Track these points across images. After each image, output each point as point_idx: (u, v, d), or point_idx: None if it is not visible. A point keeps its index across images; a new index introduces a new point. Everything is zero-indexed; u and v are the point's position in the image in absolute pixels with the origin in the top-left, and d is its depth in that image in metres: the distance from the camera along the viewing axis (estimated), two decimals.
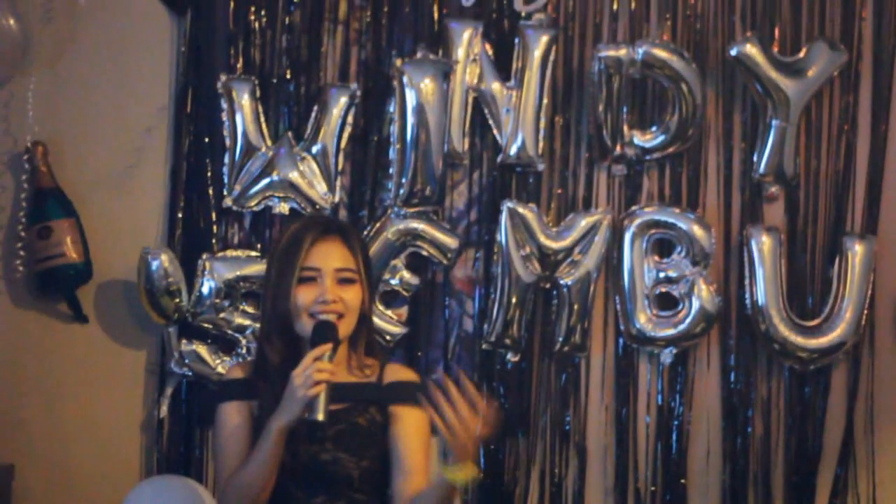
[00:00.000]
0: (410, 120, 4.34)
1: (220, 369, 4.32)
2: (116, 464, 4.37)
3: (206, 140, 4.39)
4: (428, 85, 4.34)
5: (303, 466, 3.22)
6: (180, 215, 4.39)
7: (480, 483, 4.34)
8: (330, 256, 3.26)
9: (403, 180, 4.36)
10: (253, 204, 4.38)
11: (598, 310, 4.45)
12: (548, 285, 4.42)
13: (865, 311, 4.45)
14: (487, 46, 4.43)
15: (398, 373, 3.41)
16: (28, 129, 4.34)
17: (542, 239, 4.39)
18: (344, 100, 4.38)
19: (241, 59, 4.41)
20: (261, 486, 3.17)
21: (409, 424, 3.28)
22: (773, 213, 4.50)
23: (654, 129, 4.46)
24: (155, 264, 4.23)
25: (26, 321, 4.37)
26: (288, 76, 4.42)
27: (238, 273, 4.32)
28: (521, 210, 4.38)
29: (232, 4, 4.41)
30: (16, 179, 4.36)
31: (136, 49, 4.42)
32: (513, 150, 4.41)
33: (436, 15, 4.44)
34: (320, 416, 3.11)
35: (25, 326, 4.37)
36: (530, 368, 4.45)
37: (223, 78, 4.36)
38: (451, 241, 4.40)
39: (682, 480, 4.46)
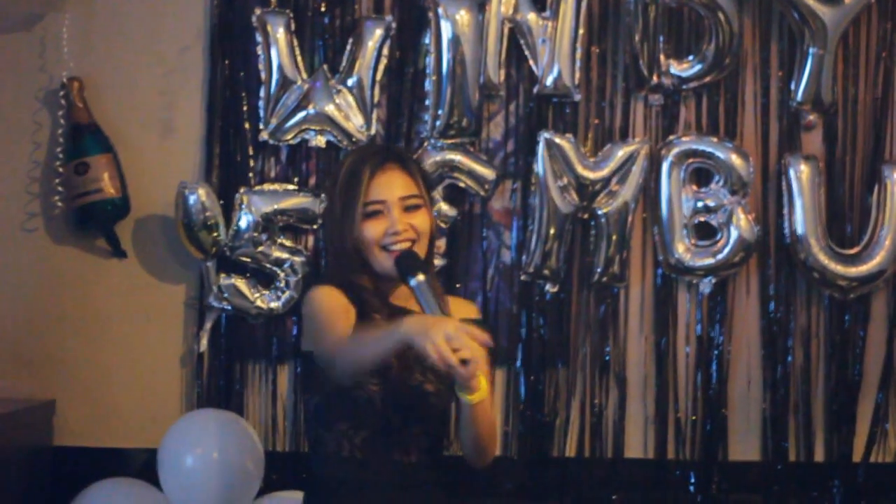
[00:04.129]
0: (446, 52, 4.32)
1: (258, 303, 4.32)
2: (156, 398, 4.38)
3: (242, 74, 4.37)
4: (463, 16, 4.32)
5: (405, 395, 3.11)
6: (217, 149, 4.37)
7: (521, 414, 4.39)
8: (392, 186, 3.16)
9: (440, 112, 4.34)
10: (289, 137, 4.37)
11: (636, 240, 4.44)
12: (586, 216, 4.40)
13: None
14: None
15: (462, 307, 3.29)
16: (63, 65, 4.34)
17: (580, 169, 4.37)
18: (379, 32, 4.36)
19: None
20: (370, 365, 2.97)
21: None
22: (811, 141, 4.49)
23: (690, 58, 4.44)
24: (192, 199, 4.22)
25: (65, 257, 4.36)
26: (323, 9, 4.39)
27: (276, 206, 4.31)
28: (558, 140, 4.37)
29: None
30: (52, 116, 4.34)
31: None
32: (549, 81, 4.39)
33: None
34: None
35: (64, 262, 4.36)
36: (569, 299, 4.44)
37: (258, 11, 4.34)
38: (488, 173, 4.38)
39: (723, 410, 4.46)
